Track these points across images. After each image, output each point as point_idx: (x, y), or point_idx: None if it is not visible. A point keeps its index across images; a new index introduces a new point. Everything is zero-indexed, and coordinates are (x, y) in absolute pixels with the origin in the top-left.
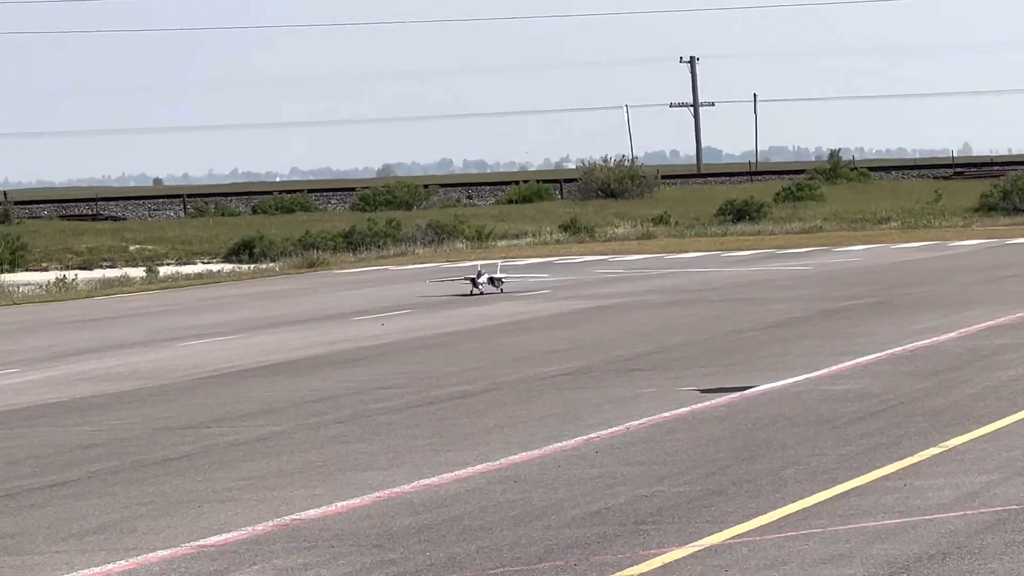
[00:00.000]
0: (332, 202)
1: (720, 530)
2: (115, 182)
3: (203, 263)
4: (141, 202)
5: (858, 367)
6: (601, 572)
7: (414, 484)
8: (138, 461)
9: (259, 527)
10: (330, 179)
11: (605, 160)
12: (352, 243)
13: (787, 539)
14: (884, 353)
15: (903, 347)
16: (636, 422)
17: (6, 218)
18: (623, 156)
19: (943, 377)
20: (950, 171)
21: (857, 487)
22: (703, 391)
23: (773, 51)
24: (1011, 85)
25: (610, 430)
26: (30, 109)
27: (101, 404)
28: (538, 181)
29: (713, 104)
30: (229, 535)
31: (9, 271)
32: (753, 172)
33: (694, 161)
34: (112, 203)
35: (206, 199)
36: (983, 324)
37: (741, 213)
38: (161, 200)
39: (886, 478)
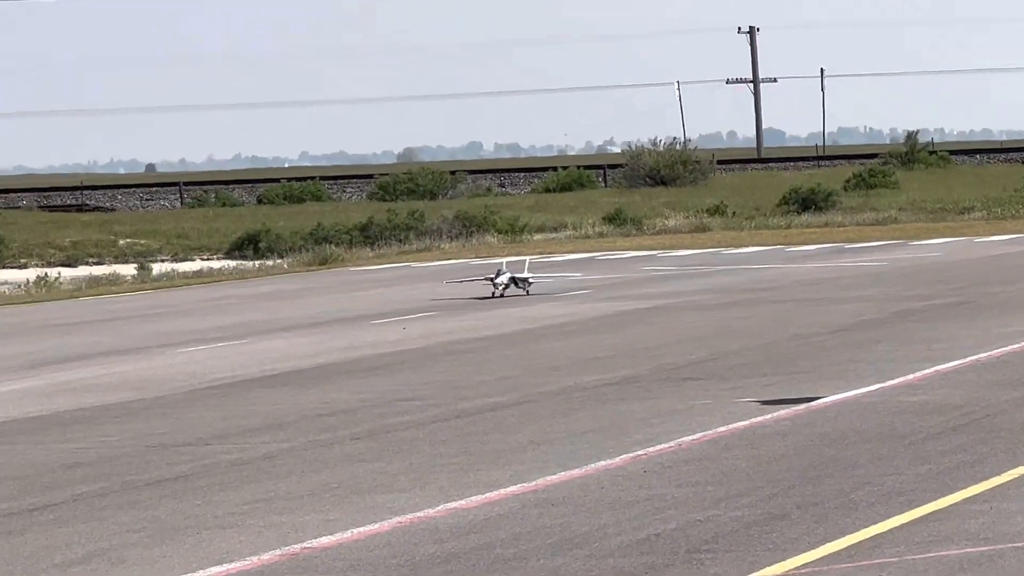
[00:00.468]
0: (347, 190)
1: (783, 559)
2: (103, 168)
3: (202, 259)
4: (132, 191)
5: (937, 376)
6: None
7: (439, 508)
8: (129, 482)
9: (265, 556)
10: (345, 164)
11: (654, 143)
12: (370, 237)
13: (858, 569)
14: (967, 360)
15: (988, 353)
16: (689, 438)
17: None
18: (674, 139)
19: None
20: None
21: (937, 511)
22: (764, 403)
23: (842, 20)
24: None
25: (659, 447)
26: (4, 86)
27: (87, 418)
28: (579, 167)
29: (775, 80)
30: (232, 565)
31: None
32: (820, 156)
33: (753, 144)
34: (99, 192)
35: (205, 187)
36: None
37: (807, 202)
38: (155, 188)
39: (969, 501)
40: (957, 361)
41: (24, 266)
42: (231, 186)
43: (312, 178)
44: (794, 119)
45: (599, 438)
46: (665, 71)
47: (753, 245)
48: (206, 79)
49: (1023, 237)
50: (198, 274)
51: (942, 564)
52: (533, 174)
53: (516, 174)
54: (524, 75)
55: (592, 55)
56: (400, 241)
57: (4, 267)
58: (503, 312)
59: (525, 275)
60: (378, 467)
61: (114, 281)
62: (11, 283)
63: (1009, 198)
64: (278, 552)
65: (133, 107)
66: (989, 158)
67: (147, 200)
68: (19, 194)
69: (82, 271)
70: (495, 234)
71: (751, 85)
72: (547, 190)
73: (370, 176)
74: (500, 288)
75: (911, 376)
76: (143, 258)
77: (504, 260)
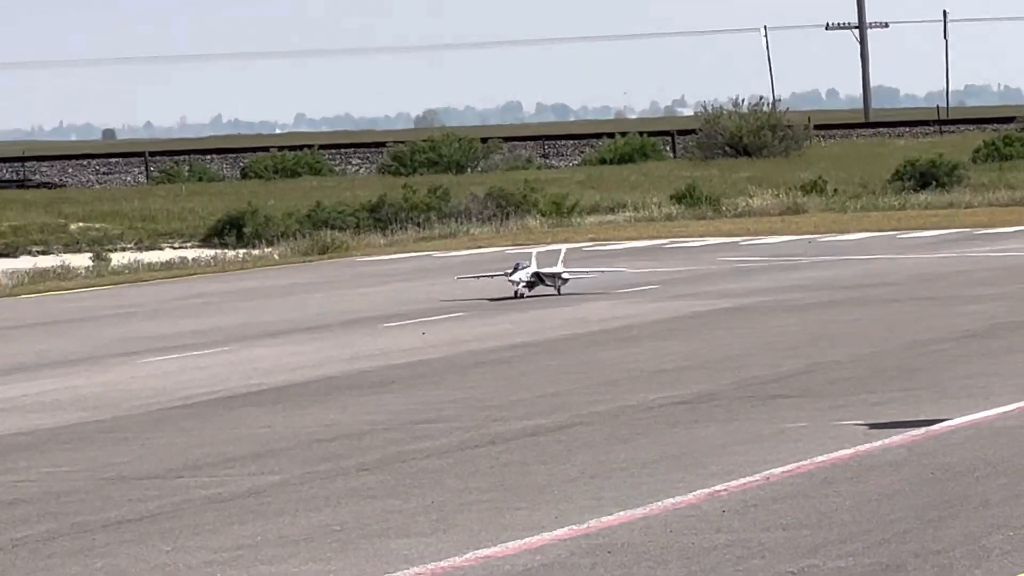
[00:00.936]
0: (353, 162)
1: None
2: (50, 135)
3: (173, 248)
4: (86, 163)
5: None
6: None
7: (467, 556)
8: (81, 524)
9: None
10: (351, 130)
11: (735, 104)
12: (381, 219)
13: None
14: None
15: None
16: (779, 469)
17: None
18: (760, 98)
19: None
20: None
21: None
22: (872, 426)
23: None
24: None
25: (742, 481)
26: None
27: (30, 445)
28: (641, 133)
29: (886, 25)
30: None
31: None
32: (943, 121)
33: (859, 105)
34: (45, 164)
35: (177, 158)
36: None
37: (925, 178)
38: (114, 160)
39: None
40: None
41: None
42: (208, 157)
43: (310, 146)
44: (910, 74)
45: (667, 469)
46: (749, 15)
47: (859, 231)
48: (177, 23)
49: None
50: (168, 266)
51: None
52: (584, 142)
53: (563, 142)
54: (573, 19)
55: None
56: (419, 225)
57: None
58: (546, 313)
59: (557, 269)
60: (391, 505)
61: (64, 275)
62: None
63: None
64: None
65: (86, 58)
66: None
67: (105, 174)
68: None
69: (24, 262)
70: (537, 216)
71: (856, 31)
72: (602, 162)
73: (382, 144)
74: (519, 286)
75: None
76: (100, 246)
77: (535, 250)
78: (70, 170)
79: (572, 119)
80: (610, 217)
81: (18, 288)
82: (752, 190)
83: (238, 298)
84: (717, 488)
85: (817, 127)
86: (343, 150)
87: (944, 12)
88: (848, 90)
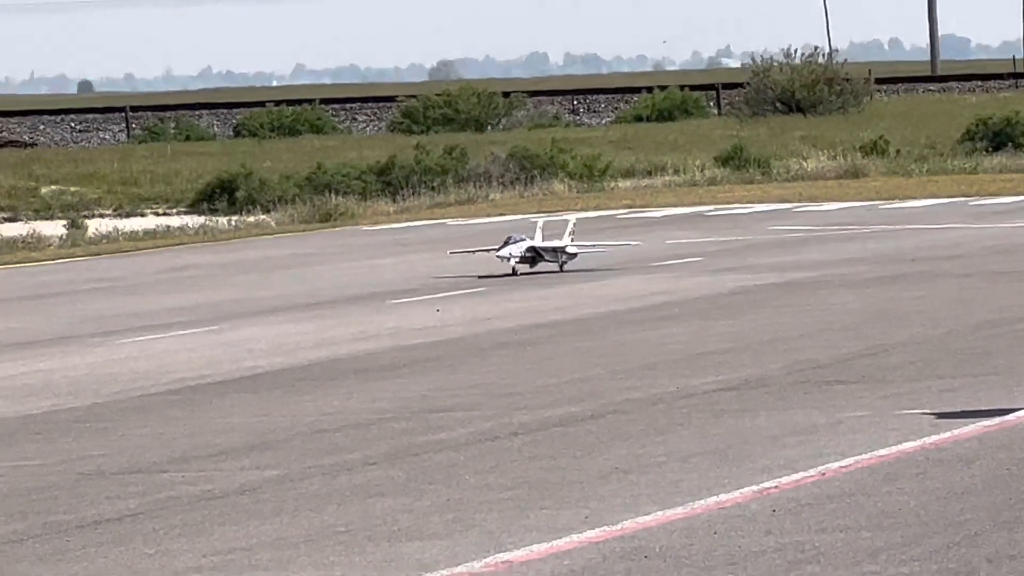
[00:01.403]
0: (359, 119)
1: None
2: (20, 88)
3: (157, 214)
4: (59, 119)
5: None
6: None
7: (487, 561)
8: (54, 524)
9: None
10: (356, 83)
11: (787, 55)
12: (390, 183)
13: None
14: None
15: None
16: (836, 464)
17: None
18: (815, 49)
19: None
20: None
21: None
22: (940, 416)
23: None
24: None
25: (796, 477)
26: None
27: None
28: (681, 87)
29: None
30: None
31: None
32: (1019, 74)
33: (925, 57)
34: (14, 120)
35: (161, 114)
36: None
37: (1000, 138)
38: (91, 115)
39: None
40: None
41: None
42: (197, 112)
43: (310, 101)
44: (982, 22)
45: (712, 464)
46: None
47: (925, 197)
48: None
49: None
50: (151, 234)
51: None
52: (618, 97)
53: (595, 97)
54: None
55: None
56: (433, 189)
57: None
58: (576, 289)
59: (560, 243)
60: (402, 503)
61: (34, 244)
62: None
63: None
64: None
65: (59, 0)
66: None
67: (80, 132)
68: None
69: None
70: (565, 180)
71: None
72: (638, 119)
73: (391, 99)
74: (512, 262)
75: None
76: (75, 212)
77: (541, 220)
78: (41, 127)
79: (604, 71)
80: (647, 181)
81: None
82: (806, 151)
83: (230, 271)
84: (767, 485)
85: (878, 81)
86: (348, 105)
87: None
88: (913, 40)
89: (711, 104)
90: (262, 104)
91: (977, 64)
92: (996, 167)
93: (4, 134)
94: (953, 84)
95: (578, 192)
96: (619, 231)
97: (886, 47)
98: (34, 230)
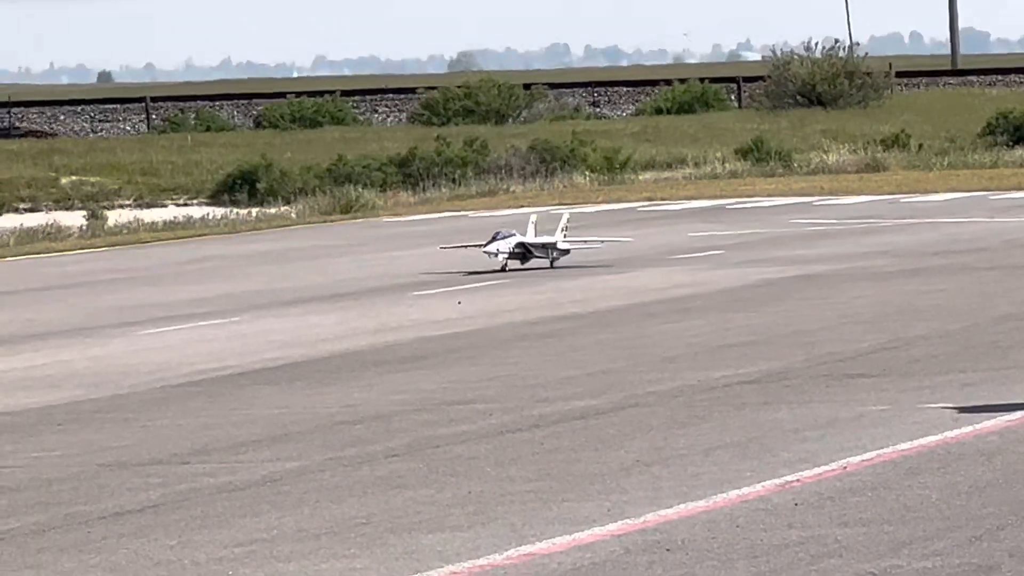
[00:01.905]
0: (380, 111)
1: None
2: (38, 77)
3: (177, 205)
4: (79, 109)
5: None
6: None
7: (508, 554)
8: (75, 515)
9: None
10: (377, 75)
11: (807, 48)
12: (411, 175)
13: None
14: None
15: None
16: (858, 458)
17: None
18: (836, 42)
19: None
20: None
21: None
22: (962, 410)
23: None
24: None
25: (817, 470)
26: None
27: (17, 426)
28: (702, 80)
29: None
30: None
31: None
32: None
33: (946, 50)
34: (34, 110)
35: (181, 104)
36: None
37: (1021, 132)
38: (111, 106)
39: None
40: None
41: None
42: (217, 103)
43: (331, 92)
44: (1003, 16)
45: (733, 457)
46: None
47: (946, 190)
48: None
49: None
50: (172, 225)
51: None
52: (639, 89)
53: (615, 89)
54: None
55: None
56: (453, 181)
57: None
58: (596, 281)
59: (551, 239)
60: (423, 496)
61: (55, 235)
62: None
63: None
64: None
65: None
66: None
67: (100, 122)
68: None
69: (9, 220)
70: (586, 173)
71: None
72: (658, 112)
73: (412, 91)
74: (502, 258)
75: None
76: (95, 203)
77: (534, 211)
78: (61, 117)
79: (625, 64)
80: (667, 174)
81: (3, 250)
82: (826, 144)
83: (250, 262)
84: (789, 479)
85: (899, 74)
86: (368, 97)
87: None
88: (933, 33)
89: (732, 97)
90: (283, 95)
91: (997, 59)
92: (1017, 161)
93: (24, 124)
94: (973, 78)
95: (599, 185)
96: (640, 224)
97: (906, 41)
98: (54, 220)
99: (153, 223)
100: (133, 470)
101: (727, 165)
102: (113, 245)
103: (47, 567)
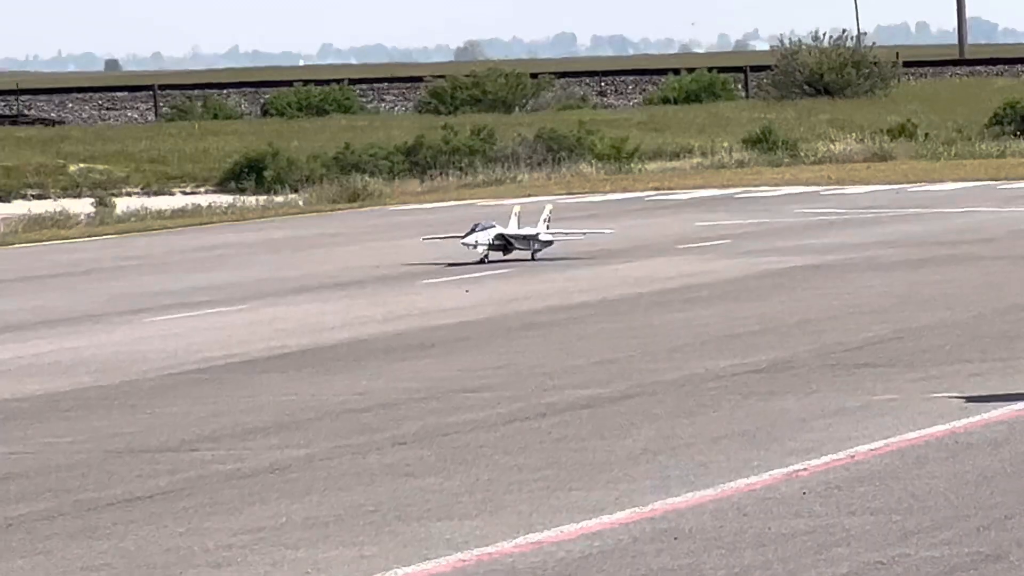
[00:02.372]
0: (387, 99)
1: None
2: (46, 65)
3: (185, 193)
4: (87, 97)
5: None
6: None
7: (517, 542)
8: (84, 502)
9: None
10: (384, 63)
11: (815, 38)
12: (418, 164)
13: None
14: None
15: None
16: (865, 447)
17: None
18: (843, 32)
19: None
20: None
21: None
22: (969, 400)
23: None
24: None
25: (825, 459)
26: None
27: (26, 412)
28: (709, 70)
29: None
30: None
31: None
32: None
33: (953, 40)
34: (41, 98)
35: (189, 93)
36: None
37: None
38: (118, 94)
39: None
40: None
41: None
42: (225, 91)
43: (338, 81)
44: (1010, 5)
45: (740, 446)
46: None
47: (953, 180)
48: None
49: None
50: (180, 213)
51: None
52: (646, 79)
53: (622, 78)
54: None
55: None
56: (460, 170)
57: None
58: (604, 271)
59: (535, 231)
60: (431, 484)
61: (63, 222)
62: None
63: None
64: None
65: None
66: None
67: (108, 110)
68: None
69: (18, 207)
70: (592, 162)
71: None
72: (665, 101)
73: (419, 79)
74: (483, 250)
75: None
76: (103, 190)
77: (517, 206)
78: (69, 105)
79: (632, 53)
80: (674, 163)
81: (11, 236)
82: (834, 134)
83: (258, 250)
84: (796, 468)
85: (906, 64)
86: (375, 85)
87: None
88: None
89: (739, 87)
90: (290, 83)
91: (1004, 48)
92: (1023, 150)
93: (32, 112)
94: (980, 68)
95: (606, 174)
96: (647, 213)
97: (913, 30)
98: (62, 208)
99: (161, 211)
100: (142, 457)
101: (734, 155)
102: (121, 233)
103: (56, 553)
